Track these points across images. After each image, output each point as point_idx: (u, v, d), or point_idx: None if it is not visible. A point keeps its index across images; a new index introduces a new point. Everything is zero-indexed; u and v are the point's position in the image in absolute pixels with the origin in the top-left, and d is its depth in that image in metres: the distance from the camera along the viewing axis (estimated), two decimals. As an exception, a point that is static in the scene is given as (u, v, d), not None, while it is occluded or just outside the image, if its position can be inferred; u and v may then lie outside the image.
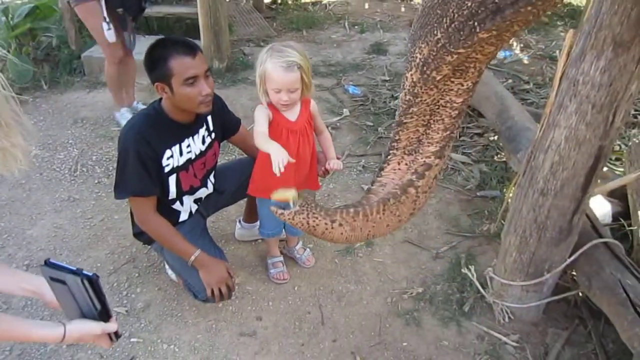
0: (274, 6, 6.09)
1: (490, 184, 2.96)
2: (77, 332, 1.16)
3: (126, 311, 2.15)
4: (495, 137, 3.33)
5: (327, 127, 2.15)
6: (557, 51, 4.69)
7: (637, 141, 2.62)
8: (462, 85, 1.17)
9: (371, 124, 3.61)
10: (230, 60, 4.36)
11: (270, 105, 1.88)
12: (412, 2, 6.38)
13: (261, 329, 2.10)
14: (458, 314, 2.17)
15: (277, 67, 1.75)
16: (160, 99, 1.90)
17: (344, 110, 3.78)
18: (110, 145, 3.26)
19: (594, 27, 1.51)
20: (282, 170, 1.65)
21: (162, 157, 1.87)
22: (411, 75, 1.16)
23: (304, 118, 1.96)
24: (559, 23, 5.51)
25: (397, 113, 1.33)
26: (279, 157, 1.65)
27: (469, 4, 0.92)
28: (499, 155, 3.22)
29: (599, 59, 1.52)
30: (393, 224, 1.43)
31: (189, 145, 1.96)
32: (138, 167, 1.81)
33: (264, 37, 5.10)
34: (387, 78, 4.32)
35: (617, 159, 3.05)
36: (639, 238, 2.25)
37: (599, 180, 2.20)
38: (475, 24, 0.94)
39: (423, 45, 1.06)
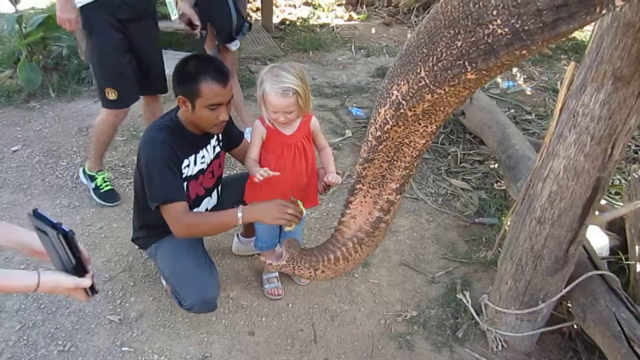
0: (282, 27, 6.18)
1: (489, 211, 2.97)
2: (51, 283, 1.21)
3: (119, 320, 2.14)
4: (496, 165, 3.35)
5: (329, 146, 2.18)
6: (560, 83, 4.75)
7: (636, 176, 2.64)
8: (427, 128, 1.22)
9: (373, 146, 3.64)
10: (236, 77, 4.40)
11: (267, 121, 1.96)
12: (418, 30, 6.48)
13: (253, 344, 2.09)
14: (451, 340, 2.16)
15: (273, 92, 1.81)
16: (177, 110, 1.95)
17: (347, 131, 3.81)
18: (113, 155, 3.28)
19: (595, 60, 1.54)
20: (260, 178, 1.87)
21: (181, 167, 1.92)
22: (385, 111, 1.17)
23: (300, 133, 2.01)
24: (562, 56, 5.59)
25: (363, 148, 1.38)
26: (258, 173, 1.89)
27: (459, 44, 0.91)
28: (498, 183, 3.24)
29: (599, 92, 1.55)
30: (369, 254, 1.65)
31: (203, 157, 2.02)
32: (167, 174, 1.84)
33: (271, 56, 5.17)
34: (391, 102, 4.36)
35: (616, 193, 3.06)
36: (636, 272, 2.24)
37: (596, 213, 2.22)
38: (466, 63, 0.93)
39: (402, 83, 1.07)
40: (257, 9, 6.50)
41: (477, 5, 0.85)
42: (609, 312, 1.80)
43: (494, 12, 0.83)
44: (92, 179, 2.86)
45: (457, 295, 2.33)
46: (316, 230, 2.78)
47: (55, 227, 1.14)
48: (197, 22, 2.97)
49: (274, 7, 6.26)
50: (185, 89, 1.81)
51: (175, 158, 1.88)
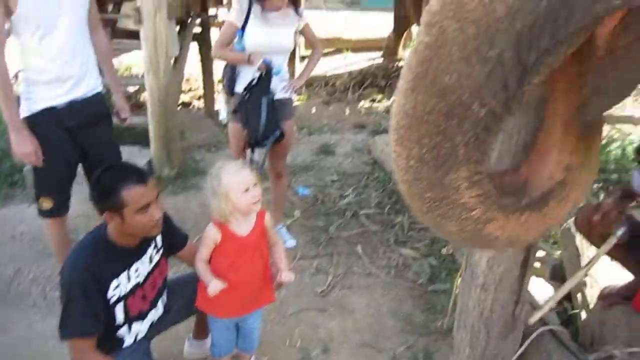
0: (224, 113, 6.32)
1: (440, 277, 3.00)
2: None
3: None
4: (441, 230, 3.42)
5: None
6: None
7: (567, 226, 2.76)
8: None
9: (322, 224, 3.66)
10: (180, 167, 4.39)
11: (220, 224, 1.92)
12: (355, 107, 6.77)
13: None
14: (419, 419, 2.09)
15: (233, 173, 1.84)
16: (106, 226, 1.85)
17: (295, 212, 3.82)
18: (48, 262, 3.11)
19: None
20: (213, 294, 1.86)
21: (108, 290, 1.82)
22: None
23: (257, 231, 1.97)
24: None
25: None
26: (212, 287, 1.86)
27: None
28: (446, 248, 3.30)
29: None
30: None
31: (137, 270, 1.91)
32: (82, 306, 1.74)
33: (215, 142, 5.21)
34: (336, 178, 4.45)
35: (554, 243, 3.18)
36: (581, 321, 2.29)
37: (539, 265, 2.29)
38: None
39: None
40: (200, 97, 6.65)
41: None
42: (561, 367, 1.82)
43: None
44: None
45: (420, 370, 2.29)
46: (271, 322, 2.69)
47: None
48: (125, 115, 2.88)
49: (215, 94, 6.43)
50: (108, 203, 1.73)
51: (98, 286, 1.78)
